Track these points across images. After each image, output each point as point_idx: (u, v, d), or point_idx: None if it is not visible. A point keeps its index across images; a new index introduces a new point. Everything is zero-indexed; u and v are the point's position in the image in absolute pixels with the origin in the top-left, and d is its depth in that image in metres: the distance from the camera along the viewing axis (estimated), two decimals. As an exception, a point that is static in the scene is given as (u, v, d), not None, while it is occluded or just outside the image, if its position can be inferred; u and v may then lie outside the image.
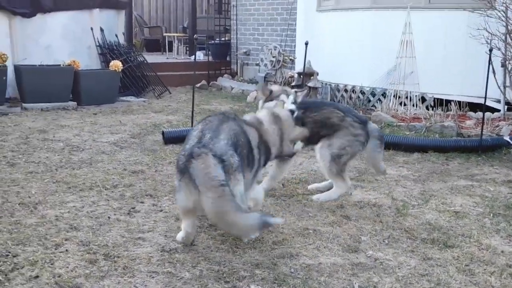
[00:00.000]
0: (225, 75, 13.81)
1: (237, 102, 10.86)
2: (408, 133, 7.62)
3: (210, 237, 3.91)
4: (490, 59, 6.75)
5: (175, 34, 17.12)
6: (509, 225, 4.34)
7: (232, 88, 12.45)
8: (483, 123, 6.98)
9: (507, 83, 8.03)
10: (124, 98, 10.65)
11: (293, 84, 10.60)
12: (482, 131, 6.86)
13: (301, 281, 3.30)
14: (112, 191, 4.93)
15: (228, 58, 14.57)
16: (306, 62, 8.80)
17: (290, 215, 4.43)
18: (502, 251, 3.83)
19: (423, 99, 9.06)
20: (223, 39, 14.61)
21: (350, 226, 4.25)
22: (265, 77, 12.06)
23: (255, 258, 3.58)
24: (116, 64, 10.20)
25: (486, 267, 3.56)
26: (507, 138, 6.91)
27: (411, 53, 8.93)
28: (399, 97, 9.10)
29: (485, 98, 6.82)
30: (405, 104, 9.03)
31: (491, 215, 4.57)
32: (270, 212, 4.47)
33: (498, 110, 8.39)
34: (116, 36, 11.60)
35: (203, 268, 3.42)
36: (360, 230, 4.18)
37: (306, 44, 7.84)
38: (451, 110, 8.34)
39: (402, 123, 8.02)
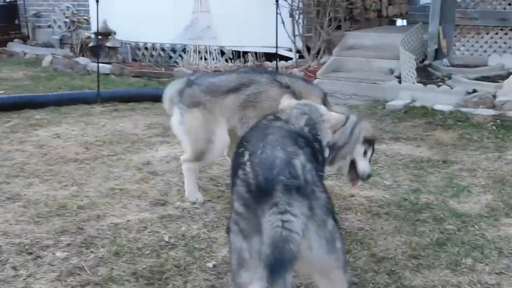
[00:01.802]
0: (16, 40, 12.69)
1: (32, 67, 10.09)
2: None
3: (6, 211, 3.66)
4: (277, 10, 7.13)
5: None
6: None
7: (25, 54, 11.50)
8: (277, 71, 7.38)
9: (296, 32, 8.58)
10: None
11: (90, 45, 10.17)
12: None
13: (109, 240, 3.26)
14: None
15: (17, 22, 13.41)
16: (102, 22, 8.47)
17: (95, 178, 4.32)
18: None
19: (222, 53, 9.30)
20: (7, 0, 13.38)
21: (157, 181, 4.28)
22: (60, 40, 11.37)
23: (59, 225, 3.44)
24: None
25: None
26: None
27: (206, 7, 9.06)
28: (199, 52, 9.24)
29: (277, 47, 7.21)
30: (205, 59, 9.20)
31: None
32: (74, 178, 4.31)
33: (291, 58, 8.96)
34: None
35: (2, 244, 3.19)
36: (167, 184, 4.23)
37: (97, 1, 7.49)
38: (249, 61, 8.69)
39: (204, 77, 8.16)
